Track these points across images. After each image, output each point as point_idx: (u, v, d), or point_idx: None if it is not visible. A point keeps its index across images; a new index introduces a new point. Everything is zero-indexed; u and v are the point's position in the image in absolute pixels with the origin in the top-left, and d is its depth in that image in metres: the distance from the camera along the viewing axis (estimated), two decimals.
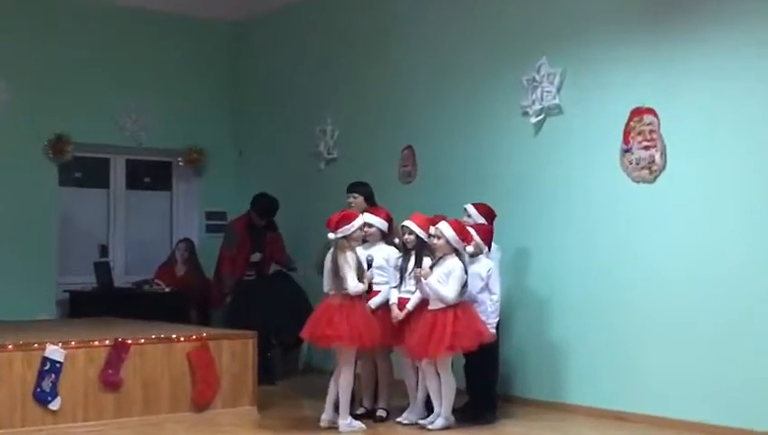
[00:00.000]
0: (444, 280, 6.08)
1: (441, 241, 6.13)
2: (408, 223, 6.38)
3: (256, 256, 8.52)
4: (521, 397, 7.03)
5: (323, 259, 6.35)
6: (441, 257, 6.15)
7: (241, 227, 8.58)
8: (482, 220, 6.57)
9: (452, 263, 6.10)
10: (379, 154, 8.36)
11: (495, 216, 6.68)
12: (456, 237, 6.11)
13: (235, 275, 8.51)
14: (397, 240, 6.58)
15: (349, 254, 6.17)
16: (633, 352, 6.47)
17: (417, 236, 6.32)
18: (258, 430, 6.42)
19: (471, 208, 6.65)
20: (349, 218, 6.24)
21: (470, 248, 6.24)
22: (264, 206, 8.59)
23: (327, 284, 6.27)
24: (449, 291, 6.05)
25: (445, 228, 6.13)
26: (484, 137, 7.50)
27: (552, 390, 6.93)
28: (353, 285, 6.13)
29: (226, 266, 8.56)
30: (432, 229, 6.22)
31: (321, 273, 6.65)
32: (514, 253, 7.11)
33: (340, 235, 6.16)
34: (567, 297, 6.87)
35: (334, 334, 6.11)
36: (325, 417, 6.29)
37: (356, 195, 7.01)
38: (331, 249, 6.23)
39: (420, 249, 6.30)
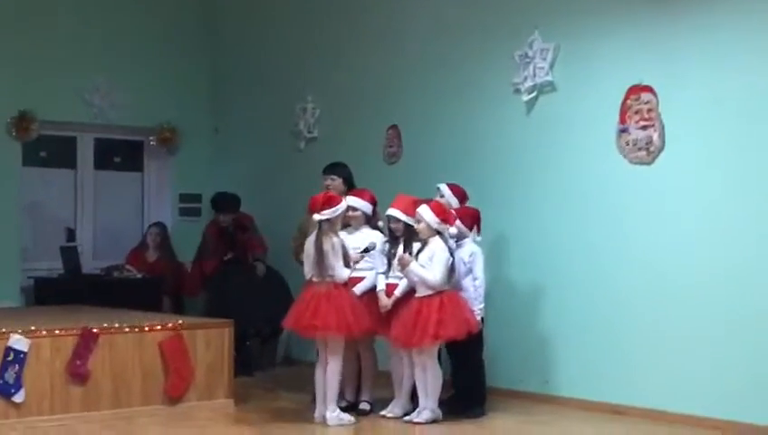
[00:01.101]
0: (428, 264, 6.12)
1: (422, 225, 6.17)
2: (392, 212, 6.37)
3: (229, 255, 8.67)
4: (509, 389, 7.05)
5: (301, 244, 6.32)
6: (425, 242, 6.19)
7: (213, 233, 8.72)
8: (455, 201, 6.61)
9: (434, 245, 6.15)
10: (362, 133, 8.34)
11: (468, 198, 6.70)
12: (437, 219, 6.15)
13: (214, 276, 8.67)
14: (381, 223, 6.59)
15: (334, 239, 6.16)
16: (628, 343, 6.50)
17: (405, 222, 6.31)
18: (235, 423, 6.44)
19: (445, 188, 6.69)
20: (334, 201, 6.22)
21: (453, 230, 6.27)
22: (219, 204, 8.71)
23: (309, 269, 6.26)
24: (434, 274, 6.09)
25: (424, 212, 6.17)
26: (472, 115, 7.50)
27: (542, 382, 6.97)
28: (341, 272, 6.14)
29: (207, 269, 8.68)
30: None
31: (299, 259, 6.64)
32: (503, 237, 7.14)
33: (325, 217, 6.15)
34: (557, 285, 6.90)
35: (322, 324, 6.11)
36: (318, 413, 6.29)
37: (334, 177, 6.95)
38: (314, 233, 6.21)
39: (409, 235, 6.30)
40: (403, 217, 6.32)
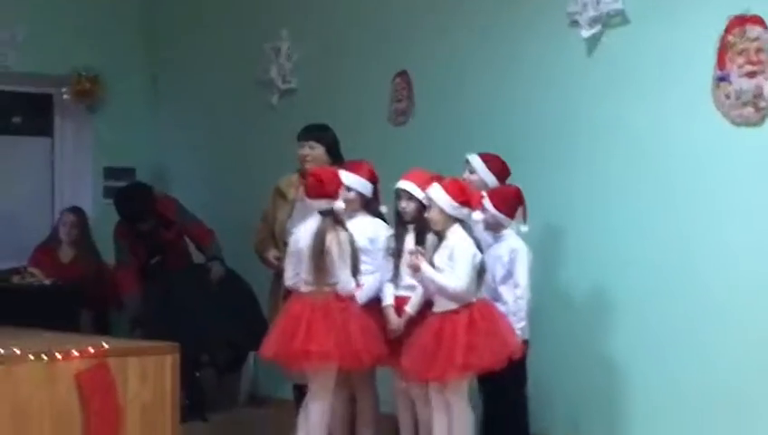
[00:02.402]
0: (448, 266, 6.13)
1: (434, 211, 6.21)
2: (404, 184, 6.41)
3: (156, 259, 8.83)
4: None
5: (264, 239, 6.46)
6: (442, 235, 6.21)
7: (124, 234, 8.84)
8: (491, 178, 6.70)
9: (453, 238, 6.17)
10: (358, 83, 8.41)
11: (509, 174, 6.78)
12: (453, 202, 6.16)
13: (135, 294, 8.79)
14: (384, 209, 6.65)
15: (342, 234, 6.26)
16: (729, 376, 6.46)
17: (420, 202, 6.33)
18: None
19: (476, 160, 6.76)
20: (335, 179, 6.30)
21: (477, 215, 6.26)
22: (129, 214, 8.75)
23: (293, 275, 6.34)
24: (455, 279, 6.11)
25: (435, 193, 6.20)
26: (512, 58, 7.52)
27: (609, 428, 7.00)
28: (348, 281, 6.26)
29: (125, 287, 8.83)
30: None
31: (263, 258, 6.85)
32: (555, 228, 7.18)
33: (329, 204, 6.26)
34: (630, 296, 6.89)
35: (319, 350, 6.17)
36: None
37: (313, 144, 7.10)
38: (316, 227, 6.28)
39: (424, 223, 6.31)
40: (418, 193, 6.36)
